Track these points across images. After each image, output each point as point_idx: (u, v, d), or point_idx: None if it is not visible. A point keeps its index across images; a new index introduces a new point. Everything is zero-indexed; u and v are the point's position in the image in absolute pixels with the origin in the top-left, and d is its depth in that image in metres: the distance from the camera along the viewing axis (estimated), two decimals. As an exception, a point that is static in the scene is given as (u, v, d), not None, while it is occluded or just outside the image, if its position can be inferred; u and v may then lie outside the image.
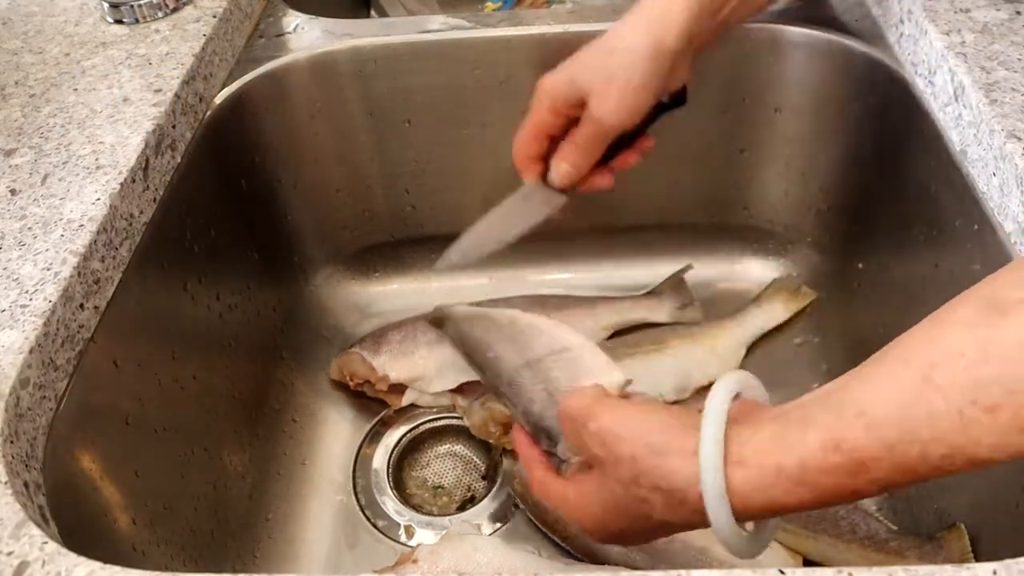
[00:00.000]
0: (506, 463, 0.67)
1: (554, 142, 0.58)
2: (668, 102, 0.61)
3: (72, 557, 0.36)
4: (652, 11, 0.54)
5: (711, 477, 0.36)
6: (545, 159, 0.59)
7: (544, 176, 0.59)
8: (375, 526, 0.65)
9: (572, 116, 0.57)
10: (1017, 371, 0.30)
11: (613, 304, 0.76)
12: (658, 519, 0.40)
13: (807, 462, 0.34)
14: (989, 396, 0.30)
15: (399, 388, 0.70)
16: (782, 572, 0.33)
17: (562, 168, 0.58)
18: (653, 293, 0.77)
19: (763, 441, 0.36)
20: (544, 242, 0.81)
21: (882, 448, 0.32)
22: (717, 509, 0.36)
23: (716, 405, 0.38)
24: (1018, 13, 0.59)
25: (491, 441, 0.66)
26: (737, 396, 0.39)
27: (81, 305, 0.48)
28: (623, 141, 0.59)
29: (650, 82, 0.55)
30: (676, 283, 0.77)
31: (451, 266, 0.62)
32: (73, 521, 0.42)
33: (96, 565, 0.36)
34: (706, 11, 0.55)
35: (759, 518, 0.38)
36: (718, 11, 0.56)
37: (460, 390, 0.70)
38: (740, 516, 0.36)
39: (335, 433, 0.71)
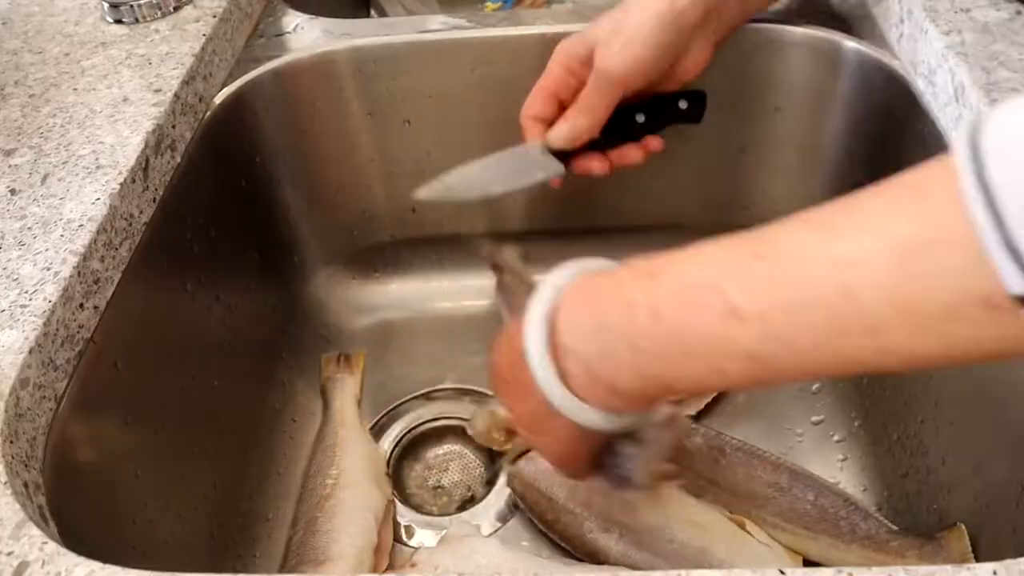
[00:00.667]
0: (506, 465, 0.67)
1: (562, 108, 0.58)
2: (685, 108, 0.60)
3: (72, 557, 0.36)
4: None
5: (536, 312, 0.40)
6: (550, 124, 0.58)
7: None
8: (375, 526, 0.65)
9: (583, 77, 0.56)
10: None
11: None
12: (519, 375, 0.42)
13: (616, 273, 0.39)
14: (763, 250, 0.33)
15: None
16: (782, 572, 0.33)
17: (562, 128, 0.57)
18: None
19: (584, 280, 0.41)
20: (545, 242, 0.81)
21: (674, 262, 0.36)
22: (532, 335, 0.40)
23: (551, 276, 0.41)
24: (1018, 13, 0.59)
25: (494, 448, 0.66)
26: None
27: (81, 305, 0.48)
28: (628, 129, 0.59)
29: (660, 39, 0.54)
30: None
31: (431, 198, 0.61)
32: (73, 521, 0.42)
33: (96, 565, 0.36)
34: None
35: (578, 376, 0.40)
36: None
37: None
38: (558, 356, 0.40)
39: (335, 433, 0.71)
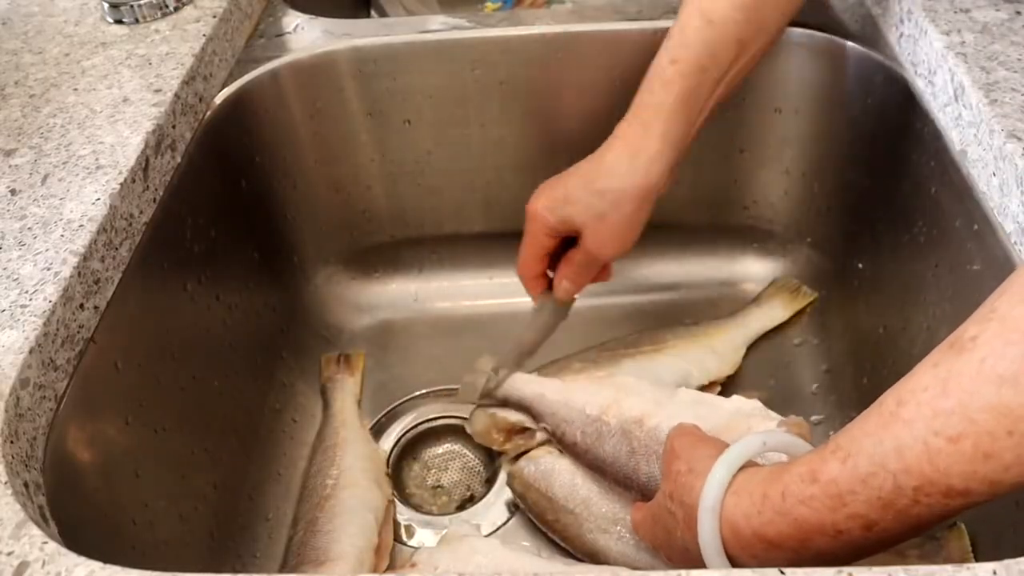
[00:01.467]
0: (506, 464, 0.67)
1: (553, 257, 0.63)
2: None
3: (72, 557, 0.36)
4: (637, 152, 0.57)
5: (710, 491, 0.40)
6: (546, 275, 0.64)
7: (548, 287, 0.65)
8: (375, 526, 0.65)
9: (566, 237, 0.61)
10: (974, 402, 0.31)
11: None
12: (679, 538, 0.43)
13: (788, 491, 0.37)
14: (950, 427, 0.31)
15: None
16: (782, 572, 0.33)
17: (564, 286, 0.63)
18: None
19: (760, 473, 0.40)
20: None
21: (855, 480, 0.34)
22: (704, 521, 0.39)
23: (747, 442, 0.42)
24: (1018, 13, 0.59)
25: (494, 447, 0.66)
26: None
27: (81, 305, 0.48)
28: None
29: (639, 217, 0.59)
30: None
31: (497, 389, 0.67)
32: (73, 521, 0.42)
33: (96, 565, 0.36)
34: (686, 139, 0.58)
35: (749, 554, 0.39)
36: (693, 127, 0.59)
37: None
38: (730, 544, 0.39)
39: (335, 433, 0.71)
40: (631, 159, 0.57)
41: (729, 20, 0.56)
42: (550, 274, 0.64)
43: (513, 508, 0.65)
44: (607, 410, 0.61)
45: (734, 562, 0.39)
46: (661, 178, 0.58)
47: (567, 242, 0.62)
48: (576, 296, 0.66)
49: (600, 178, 0.58)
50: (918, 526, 0.34)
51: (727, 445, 0.44)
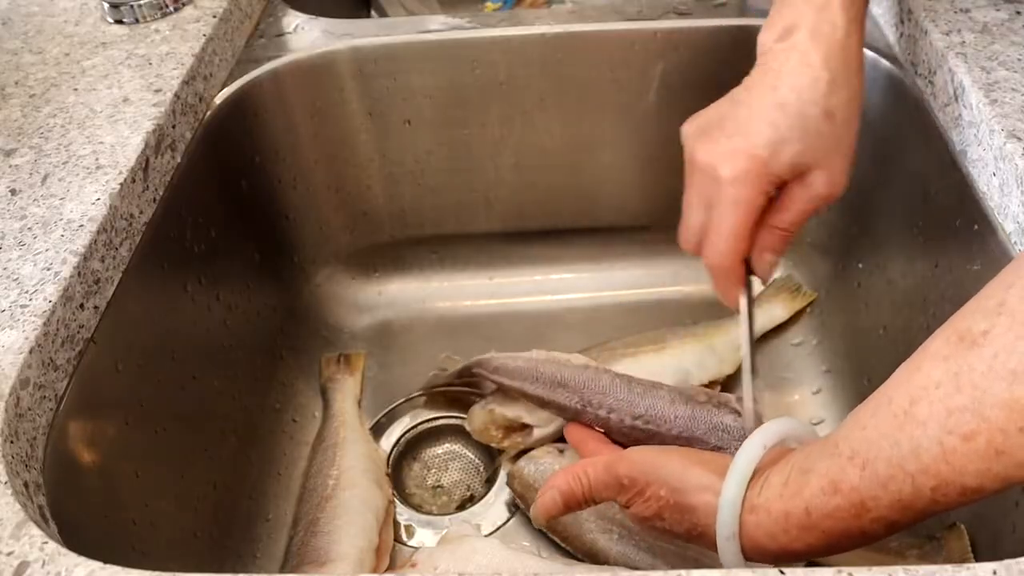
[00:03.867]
0: (506, 463, 0.67)
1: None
2: None
3: (72, 557, 0.36)
4: (832, 42, 0.47)
5: (726, 518, 0.38)
6: (746, 260, 0.51)
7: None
8: (375, 526, 0.65)
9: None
10: (987, 398, 0.31)
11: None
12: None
13: (811, 507, 0.36)
14: (963, 424, 0.31)
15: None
16: (782, 572, 0.33)
17: (768, 259, 0.51)
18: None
19: (774, 487, 0.38)
20: (545, 242, 0.81)
21: (876, 486, 0.34)
22: (725, 549, 0.39)
23: (748, 452, 0.40)
24: (1018, 13, 0.59)
25: (493, 444, 0.66)
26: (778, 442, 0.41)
27: (81, 305, 0.48)
28: None
29: (856, 131, 0.49)
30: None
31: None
32: (73, 521, 0.42)
33: (96, 565, 0.36)
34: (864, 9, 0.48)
35: (775, 564, 0.39)
36: None
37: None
38: (753, 559, 0.38)
39: (335, 433, 0.71)
40: (842, 61, 0.47)
41: None
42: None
43: (513, 508, 0.65)
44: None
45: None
46: (863, 72, 0.48)
47: None
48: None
49: (822, 95, 0.46)
50: (928, 518, 0.34)
51: (690, 452, 0.44)
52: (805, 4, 0.48)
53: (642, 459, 0.45)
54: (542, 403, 0.63)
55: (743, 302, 0.52)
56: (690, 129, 0.51)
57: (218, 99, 0.67)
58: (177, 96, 0.61)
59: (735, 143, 0.47)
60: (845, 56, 0.47)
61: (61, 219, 0.50)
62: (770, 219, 0.49)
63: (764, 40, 0.50)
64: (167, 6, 0.69)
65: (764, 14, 0.67)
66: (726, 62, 0.67)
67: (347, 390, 0.72)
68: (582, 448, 0.59)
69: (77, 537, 0.40)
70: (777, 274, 0.78)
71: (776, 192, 0.48)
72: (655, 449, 0.46)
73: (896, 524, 0.35)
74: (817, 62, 0.47)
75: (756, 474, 0.39)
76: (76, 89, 0.61)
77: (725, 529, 0.38)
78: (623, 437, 0.61)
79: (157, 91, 0.60)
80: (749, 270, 0.51)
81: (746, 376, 0.54)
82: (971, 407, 0.31)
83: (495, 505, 0.65)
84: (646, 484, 0.43)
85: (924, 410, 0.33)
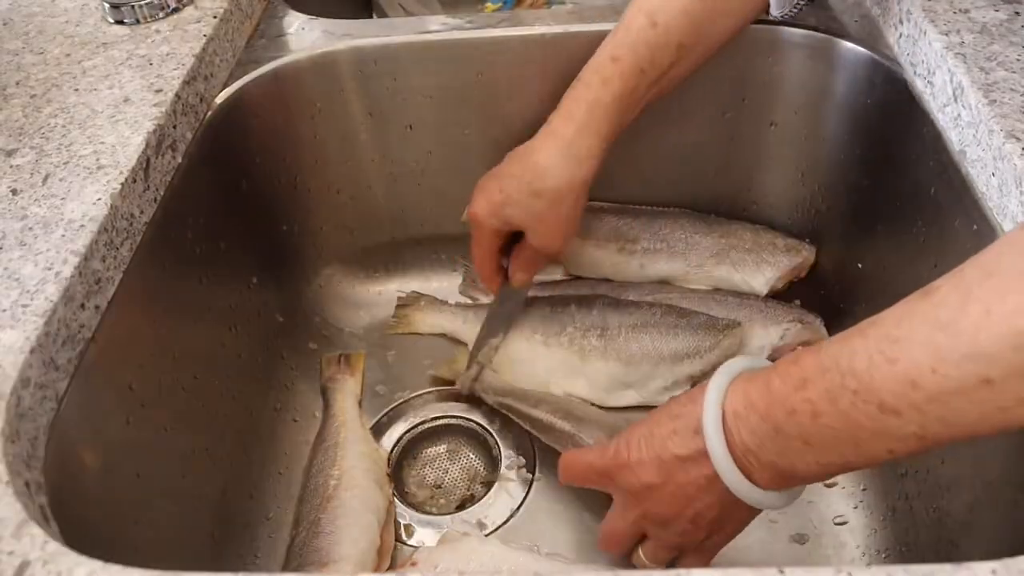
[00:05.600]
0: (505, 461, 0.67)
1: (504, 249, 0.68)
2: None
3: (73, 556, 0.36)
4: (571, 149, 0.60)
5: (710, 415, 0.44)
6: (502, 268, 0.69)
7: (505, 278, 0.69)
8: (375, 526, 0.65)
9: (511, 233, 0.66)
10: (916, 336, 0.36)
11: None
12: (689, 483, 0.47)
13: (777, 369, 0.43)
14: (892, 351, 0.37)
15: None
16: (781, 572, 0.33)
17: (519, 277, 0.68)
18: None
19: (743, 385, 0.44)
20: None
21: (817, 369, 0.40)
22: (713, 439, 0.44)
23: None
24: (1017, 14, 0.59)
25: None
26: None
27: (82, 305, 0.48)
28: None
29: (576, 211, 0.63)
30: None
31: (474, 380, 0.71)
32: (74, 520, 0.42)
33: (97, 564, 0.36)
34: (616, 134, 0.61)
35: (760, 470, 0.44)
36: (624, 124, 0.61)
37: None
38: (737, 456, 0.44)
39: (335, 433, 0.71)
40: (565, 157, 0.60)
41: (672, 25, 0.58)
42: (504, 263, 0.69)
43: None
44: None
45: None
46: (592, 172, 0.61)
47: (516, 234, 0.66)
48: (529, 283, 0.70)
49: (536, 179, 0.61)
50: (858, 442, 0.39)
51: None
52: (571, 95, 0.61)
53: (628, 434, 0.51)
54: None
55: (501, 292, 0.71)
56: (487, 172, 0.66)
57: (219, 99, 0.67)
58: (178, 96, 0.61)
59: (483, 193, 0.64)
60: (568, 152, 0.60)
61: (62, 219, 0.50)
62: (517, 250, 0.67)
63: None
64: (168, 6, 0.69)
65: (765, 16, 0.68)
66: (725, 61, 0.67)
67: (347, 390, 0.72)
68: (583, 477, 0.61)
69: (78, 536, 0.40)
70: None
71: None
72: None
73: (820, 417, 0.40)
74: (543, 155, 0.61)
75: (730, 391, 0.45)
76: (77, 89, 0.61)
77: (712, 424, 0.44)
78: None
79: (158, 91, 0.60)
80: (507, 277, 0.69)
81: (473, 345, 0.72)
82: (902, 339, 0.37)
83: (495, 505, 0.65)
84: (625, 444, 0.50)
85: (872, 331, 0.38)
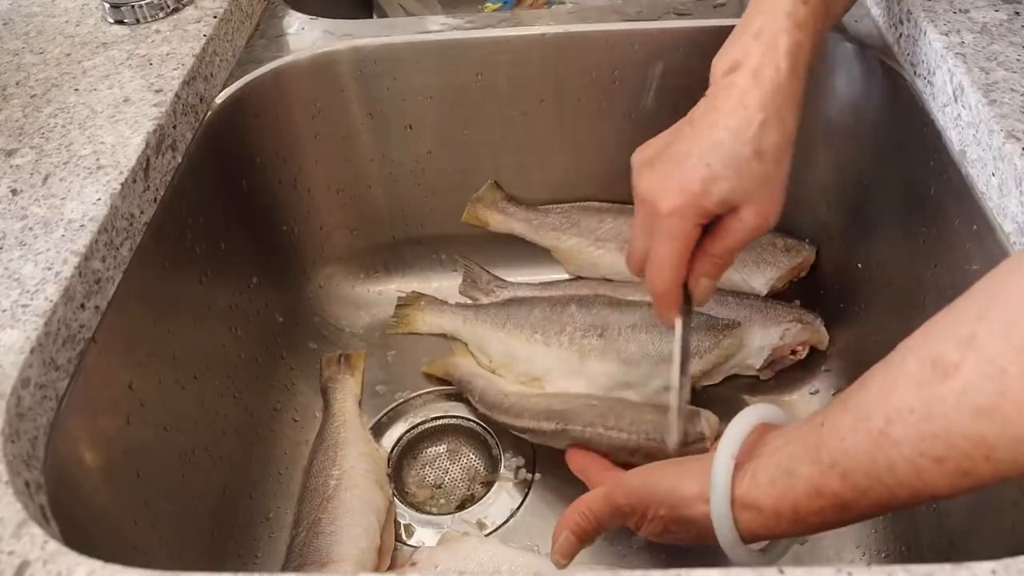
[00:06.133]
0: (505, 461, 0.67)
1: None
2: None
3: (73, 556, 0.36)
4: (775, 89, 0.49)
5: (723, 523, 0.42)
6: (684, 283, 0.53)
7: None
8: (375, 526, 0.65)
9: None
10: (955, 428, 0.34)
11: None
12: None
13: (799, 507, 0.40)
14: (935, 449, 0.35)
15: None
16: (781, 572, 0.33)
17: (705, 284, 0.53)
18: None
19: (762, 486, 0.42)
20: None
21: (856, 493, 0.38)
22: (731, 548, 0.43)
23: (724, 453, 0.43)
24: (1017, 14, 0.59)
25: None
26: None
27: (82, 305, 0.48)
28: None
29: (790, 171, 0.51)
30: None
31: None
32: (74, 520, 0.43)
33: (97, 564, 0.36)
34: (810, 74, 0.51)
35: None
36: (816, 45, 0.51)
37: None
38: (750, 542, 0.43)
39: (335, 433, 0.71)
40: (772, 100, 0.49)
41: None
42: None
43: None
44: None
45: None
46: (801, 119, 0.50)
47: None
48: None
49: (752, 136, 0.49)
50: (907, 507, 0.38)
51: (680, 464, 0.48)
52: (754, 41, 0.50)
53: (637, 484, 0.49)
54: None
55: (678, 324, 0.54)
56: (637, 158, 0.53)
57: (219, 99, 0.67)
58: (178, 96, 0.61)
59: (673, 178, 0.50)
60: (783, 99, 0.50)
61: (62, 219, 0.50)
62: (707, 247, 0.52)
63: (715, 69, 0.52)
64: (168, 6, 0.69)
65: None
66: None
67: (347, 390, 0.72)
68: (586, 477, 0.60)
69: (78, 536, 0.41)
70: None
71: (713, 221, 0.51)
72: (648, 469, 0.50)
73: (877, 514, 0.39)
74: (753, 103, 0.49)
75: (739, 468, 0.43)
76: (77, 89, 0.61)
77: (725, 539, 0.43)
78: (630, 455, 0.61)
79: (158, 91, 0.60)
80: (688, 294, 0.54)
81: (673, 397, 0.56)
82: (942, 436, 0.34)
83: (495, 505, 0.65)
84: (645, 508, 0.47)
85: (899, 432, 0.36)
